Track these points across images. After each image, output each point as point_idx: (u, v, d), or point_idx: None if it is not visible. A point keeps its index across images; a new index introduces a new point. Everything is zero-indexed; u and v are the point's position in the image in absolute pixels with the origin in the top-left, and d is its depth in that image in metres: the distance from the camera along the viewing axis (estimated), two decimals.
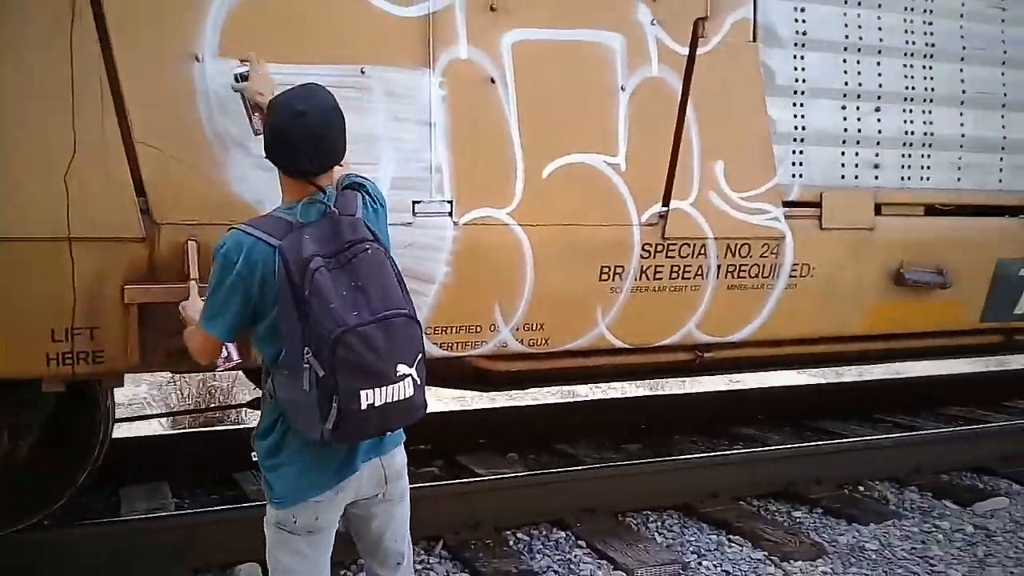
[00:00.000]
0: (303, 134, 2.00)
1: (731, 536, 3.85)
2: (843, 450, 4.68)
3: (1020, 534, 3.91)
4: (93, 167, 2.49)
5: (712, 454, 4.60)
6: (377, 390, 1.89)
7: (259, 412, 2.19)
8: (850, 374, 8.11)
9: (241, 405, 4.56)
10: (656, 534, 3.87)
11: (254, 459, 2.13)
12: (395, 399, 1.92)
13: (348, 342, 1.85)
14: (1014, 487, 4.55)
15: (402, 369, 1.93)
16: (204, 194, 2.62)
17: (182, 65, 2.59)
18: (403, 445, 2.23)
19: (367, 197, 2.14)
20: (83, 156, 2.47)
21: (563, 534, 3.83)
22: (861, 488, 4.53)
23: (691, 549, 3.70)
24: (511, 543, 3.72)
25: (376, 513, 2.20)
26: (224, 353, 2.37)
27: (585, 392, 7.63)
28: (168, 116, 2.58)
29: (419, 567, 3.43)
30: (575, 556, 3.61)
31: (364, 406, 1.87)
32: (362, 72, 2.80)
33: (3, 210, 2.42)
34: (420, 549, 3.55)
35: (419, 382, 1.98)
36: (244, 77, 2.49)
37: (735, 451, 4.68)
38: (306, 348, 1.88)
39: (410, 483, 2.30)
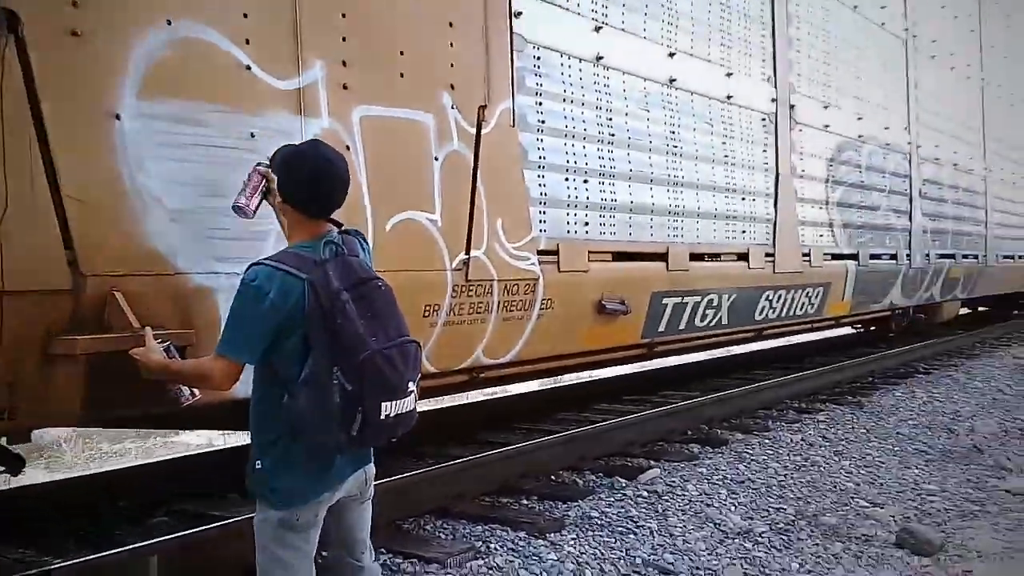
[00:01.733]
0: (333, 178, 2.42)
1: (490, 525, 4.65)
2: (534, 449, 5.73)
3: (675, 492, 5.35)
4: (25, 221, 2.47)
5: (453, 462, 5.31)
6: (394, 402, 2.32)
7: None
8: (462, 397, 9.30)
9: None
10: (437, 533, 4.51)
11: (258, 467, 2.40)
12: (405, 411, 2.38)
13: (375, 362, 2.27)
14: (651, 462, 6.07)
15: (411, 386, 2.40)
16: (125, 247, 2.72)
17: (105, 123, 2.67)
18: None
19: (362, 241, 2.58)
20: (15, 210, 2.44)
21: None
22: (552, 477, 5.66)
23: (473, 538, 4.43)
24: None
25: (352, 509, 2.60)
26: (187, 392, 2.59)
27: None
28: (92, 171, 2.64)
29: None
30: (387, 560, 4.10)
31: (383, 416, 2.30)
32: (252, 136, 3.10)
33: None
34: None
35: (417, 397, 2.48)
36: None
37: (466, 458, 5.43)
38: (335, 367, 2.26)
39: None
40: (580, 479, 5.64)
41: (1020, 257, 13.29)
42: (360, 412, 2.26)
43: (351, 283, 2.34)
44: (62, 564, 3.54)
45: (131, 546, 3.63)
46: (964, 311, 13.71)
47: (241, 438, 7.86)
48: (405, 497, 4.67)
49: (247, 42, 3.10)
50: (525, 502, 5.11)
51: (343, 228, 2.55)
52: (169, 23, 2.86)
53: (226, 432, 8.03)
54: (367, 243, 2.65)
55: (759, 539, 4.78)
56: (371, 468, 2.61)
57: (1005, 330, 14.61)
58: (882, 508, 5.49)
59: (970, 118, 11.65)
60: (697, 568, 4.35)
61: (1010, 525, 5.29)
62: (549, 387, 8.92)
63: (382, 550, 4.19)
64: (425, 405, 7.28)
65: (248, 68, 3.11)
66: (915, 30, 9.86)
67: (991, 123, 12.28)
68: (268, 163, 2.58)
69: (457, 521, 4.72)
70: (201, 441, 8.42)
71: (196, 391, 2.65)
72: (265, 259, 2.37)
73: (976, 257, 11.43)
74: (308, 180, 2.41)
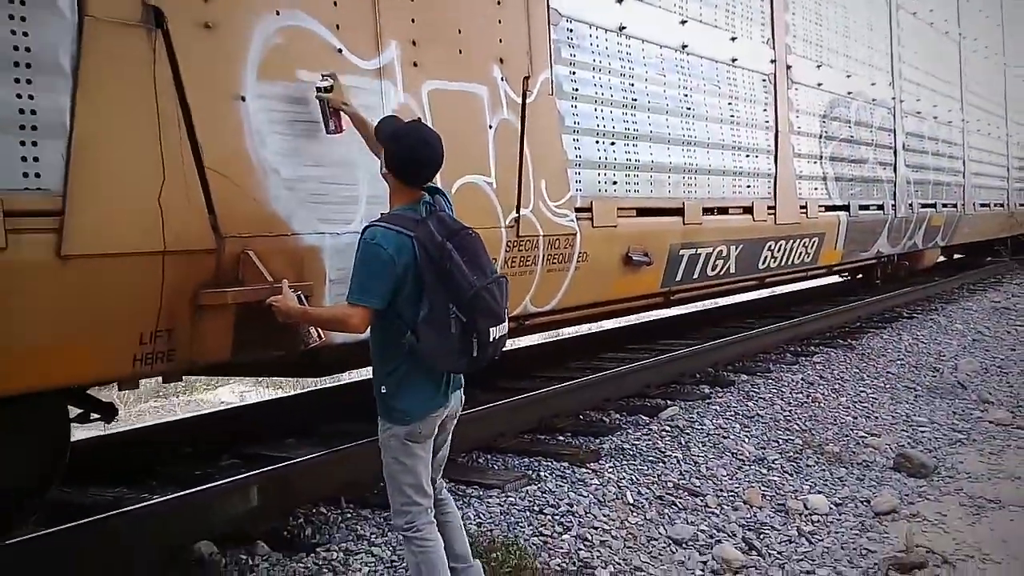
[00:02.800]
0: (430, 158, 2.88)
1: (534, 457, 5.15)
2: (563, 393, 6.21)
3: (694, 426, 5.87)
4: (178, 190, 2.87)
5: (488, 405, 5.77)
6: (497, 327, 2.83)
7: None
8: None
9: None
10: (491, 465, 5.01)
11: (383, 391, 2.87)
12: (503, 334, 2.88)
13: (482, 295, 2.76)
14: (668, 402, 6.58)
15: (505, 314, 2.89)
16: (252, 211, 3.13)
17: (233, 104, 3.07)
18: None
19: (445, 197, 3.03)
20: (170, 182, 2.85)
21: None
22: (581, 416, 6.16)
23: (524, 468, 4.93)
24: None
25: (446, 428, 3.08)
26: (315, 334, 3.03)
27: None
28: (226, 147, 3.04)
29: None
30: (452, 487, 4.58)
31: (491, 339, 2.80)
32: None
33: (109, 228, 2.70)
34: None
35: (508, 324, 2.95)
36: (328, 89, 3.13)
37: (500, 401, 5.90)
38: (451, 304, 2.74)
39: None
40: (607, 418, 6.15)
41: (996, 205, 13.90)
42: (475, 337, 2.75)
43: (450, 234, 2.80)
44: (172, 496, 3.98)
45: (232, 478, 4.10)
46: (940, 259, 14.32)
47: (276, 392, 8.29)
48: (460, 434, 5.13)
49: (337, 27, 3.49)
50: (561, 438, 5.62)
51: (430, 187, 2.98)
52: (278, 13, 3.25)
53: (260, 385, 8.48)
54: (449, 198, 3.08)
55: (772, 465, 5.34)
56: (462, 392, 3.08)
57: (980, 276, 15.29)
58: (878, 437, 6.08)
59: (949, 72, 12.14)
60: (721, 490, 4.90)
61: (994, 451, 5.90)
62: (553, 339, 9.40)
63: (445, 479, 4.67)
64: None
65: (340, 51, 3.50)
66: None
67: (968, 76, 12.79)
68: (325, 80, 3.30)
69: (505, 455, 5.21)
70: (233, 397, 8.86)
71: (321, 335, 3.09)
72: (378, 222, 2.82)
73: (955, 206, 12.01)
74: (409, 157, 2.87)
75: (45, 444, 3.09)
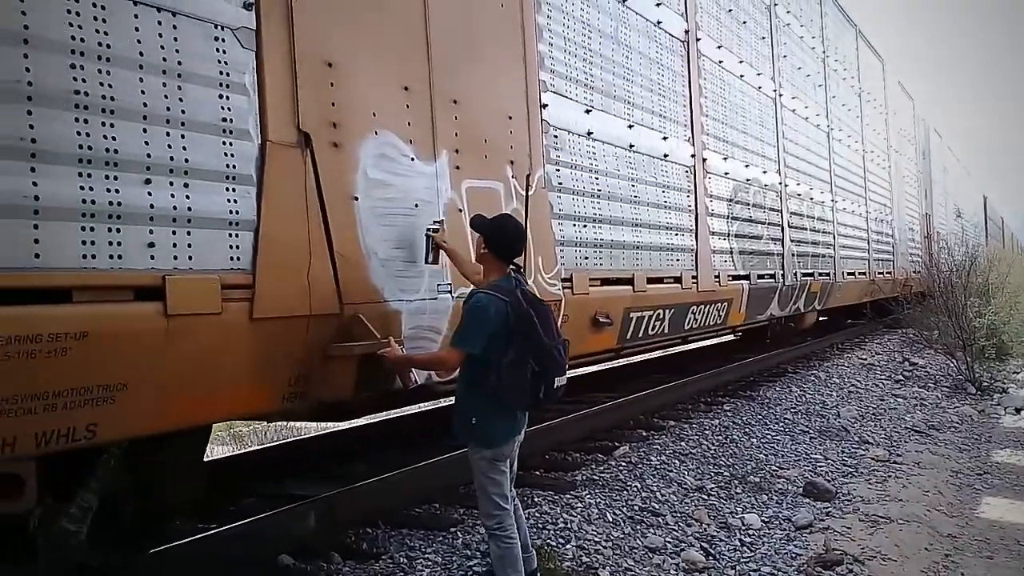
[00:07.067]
0: (522, 240, 3.89)
1: (523, 488, 6.08)
2: (532, 436, 7.20)
3: (644, 462, 6.98)
4: (318, 268, 3.77)
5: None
6: (561, 378, 3.84)
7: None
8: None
9: None
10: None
11: (473, 422, 3.79)
12: (564, 383, 3.89)
13: (553, 353, 3.77)
14: (616, 443, 7.67)
15: (567, 367, 3.90)
16: (360, 284, 4.04)
17: (350, 203, 4.01)
18: None
19: (522, 273, 4.02)
20: (315, 262, 3.75)
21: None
22: (547, 456, 7.16)
23: (519, 496, 5.86)
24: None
25: (515, 449, 4.04)
26: (414, 378, 3.97)
27: None
28: (346, 236, 3.96)
29: None
30: (468, 513, 5.46)
31: (556, 386, 3.80)
32: (416, 205, 4.46)
33: (280, 298, 3.57)
34: None
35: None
36: (435, 230, 4.16)
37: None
38: (529, 355, 3.72)
39: None
40: (569, 457, 7.19)
41: (859, 273, 15.94)
42: (544, 384, 3.72)
43: (531, 303, 3.81)
44: (249, 520, 4.68)
45: (294, 504, 4.86)
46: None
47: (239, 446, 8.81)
48: (448, 471, 6.05)
49: (411, 142, 4.48)
50: (536, 473, 6.61)
51: (516, 266, 4.00)
52: (376, 133, 4.22)
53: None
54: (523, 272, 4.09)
55: (710, 492, 6.50)
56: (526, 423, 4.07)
57: (846, 336, 17.31)
58: (788, 470, 7.36)
59: (821, 159, 14.08)
60: (676, 511, 6.00)
61: (878, 480, 7.28)
62: None
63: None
64: (413, 409, 8.63)
65: (412, 159, 4.49)
66: (781, 90, 12.07)
67: (835, 162, 14.82)
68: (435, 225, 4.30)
69: None
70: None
71: (418, 378, 4.02)
72: (482, 290, 3.81)
73: (828, 274, 13.83)
74: (511, 241, 3.88)
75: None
